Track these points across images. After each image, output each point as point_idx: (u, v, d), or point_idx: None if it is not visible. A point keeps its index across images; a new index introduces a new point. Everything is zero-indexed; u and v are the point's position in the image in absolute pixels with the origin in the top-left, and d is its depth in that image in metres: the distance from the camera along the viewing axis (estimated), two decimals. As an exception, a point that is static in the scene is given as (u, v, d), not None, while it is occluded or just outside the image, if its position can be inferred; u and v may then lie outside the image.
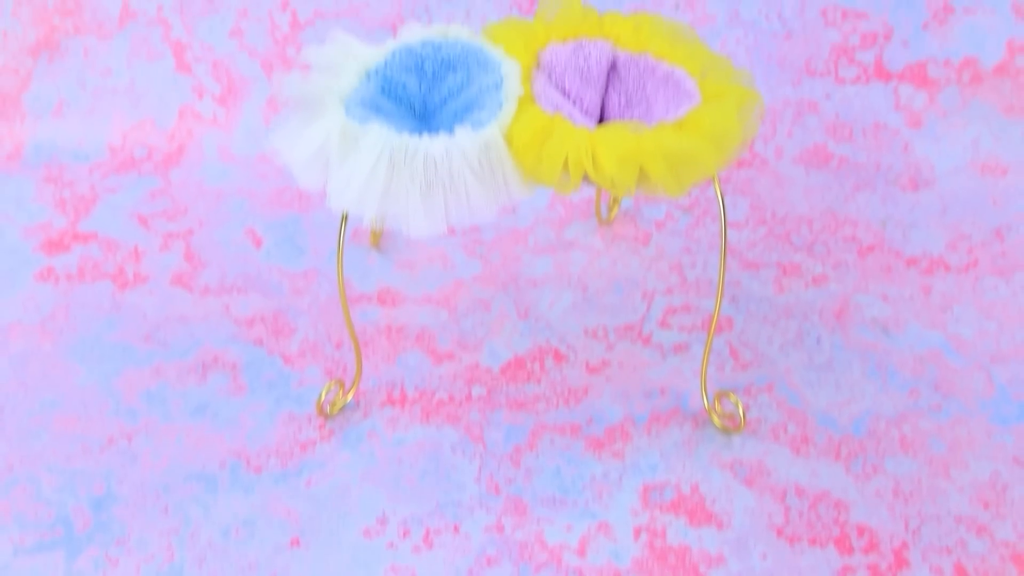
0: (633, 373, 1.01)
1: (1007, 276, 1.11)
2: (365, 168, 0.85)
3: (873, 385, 1.00)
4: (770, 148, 1.25)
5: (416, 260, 1.13)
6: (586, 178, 0.88)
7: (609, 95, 0.98)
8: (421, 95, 0.95)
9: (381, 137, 0.85)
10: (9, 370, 1.01)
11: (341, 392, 0.98)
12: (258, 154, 1.24)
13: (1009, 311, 1.07)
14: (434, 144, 0.85)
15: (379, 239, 1.14)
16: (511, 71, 0.92)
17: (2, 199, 1.20)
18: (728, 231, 1.15)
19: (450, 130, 0.88)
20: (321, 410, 0.97)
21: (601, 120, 0.99)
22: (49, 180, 1.22)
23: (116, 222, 1.17)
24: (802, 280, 1.11)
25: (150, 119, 1.27)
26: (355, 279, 1.10)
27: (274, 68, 1.27)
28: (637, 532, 0.89)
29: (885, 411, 0.97)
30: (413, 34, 0.96)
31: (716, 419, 0.97)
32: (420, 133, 0.88)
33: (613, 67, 0.98)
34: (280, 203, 1.20)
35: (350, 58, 0.93)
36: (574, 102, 0.96)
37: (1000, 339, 1.04)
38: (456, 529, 0.89)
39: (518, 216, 1.18)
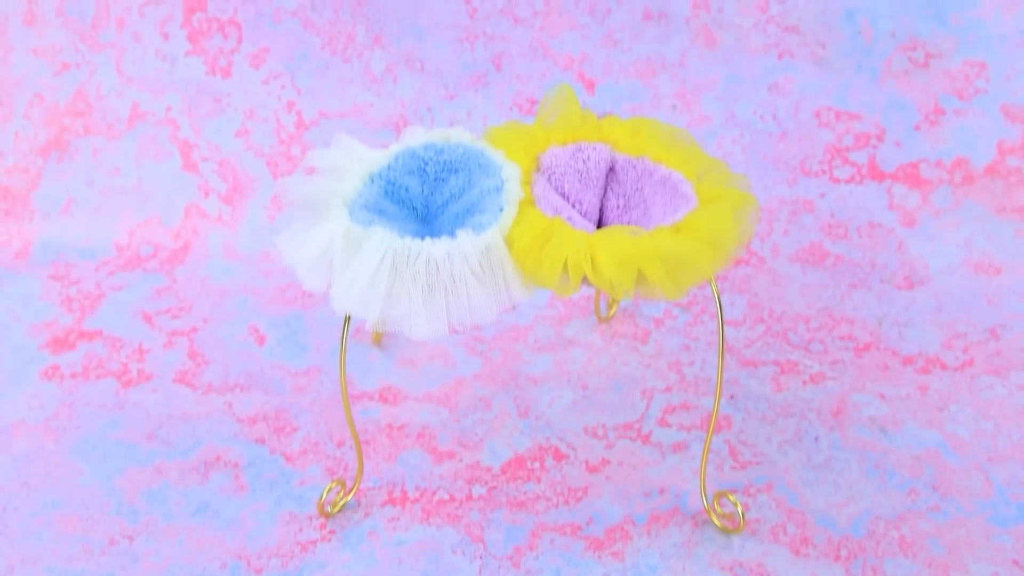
0: (632, 472, 1.02)
1: (1002, 375, 1.12)
2: (368, 271, 0.86)
3: (872, 485, 1.00)
4: (767, 246, 1.26)
5: (417, 358, 1.14)
6: (585, 280, 0.89)
7: (608, 197, 1.00)
8: (423, 197, 0.96)
9: (384, 240, 0.86)
10: (12, 470, 1.01)
11: (342, 491, 0.98)
12: (262, 252, 1.25)
13: (1005, 410, 1.08)
14: (436, 247, 0.87)
15: (380, 337, 1.15)
16: (512, 174, 0.94)
17: (9, 297, 1.21)
18: (726, 329, 1.16)
19: (452, 233, 0.89)
20: (322, 510, 0.97)
21: (600, 222, 1.00)
22: (56, 278, 1.24)
23: (121, 320, 1.18)
24: (800, 378, 1.11)
25: (156, 217, 1.28)
26: (356, 377, 1.11)
27: (279, 167, 1.29)
28: (637, 636, 0.88)
29: (884, 512, 0.97)
30: (416, 137, 0.98)
31: (716, 520, 0.97)
32: (422, 236, 0.90)
33: (611, 170, 1.00)
34: (283, 301, 1.21)
35: (354, 161, 0.95)
36: (573, 205, 0.98)
37: (997, 439, 1.05)
38: (456, 632, 0.88)
39: (518, 314, 1.19)
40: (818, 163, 1.29)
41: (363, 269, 0.86)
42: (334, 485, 0.97)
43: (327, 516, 0.97)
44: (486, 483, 1.01)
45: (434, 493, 1.00)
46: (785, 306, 1.20)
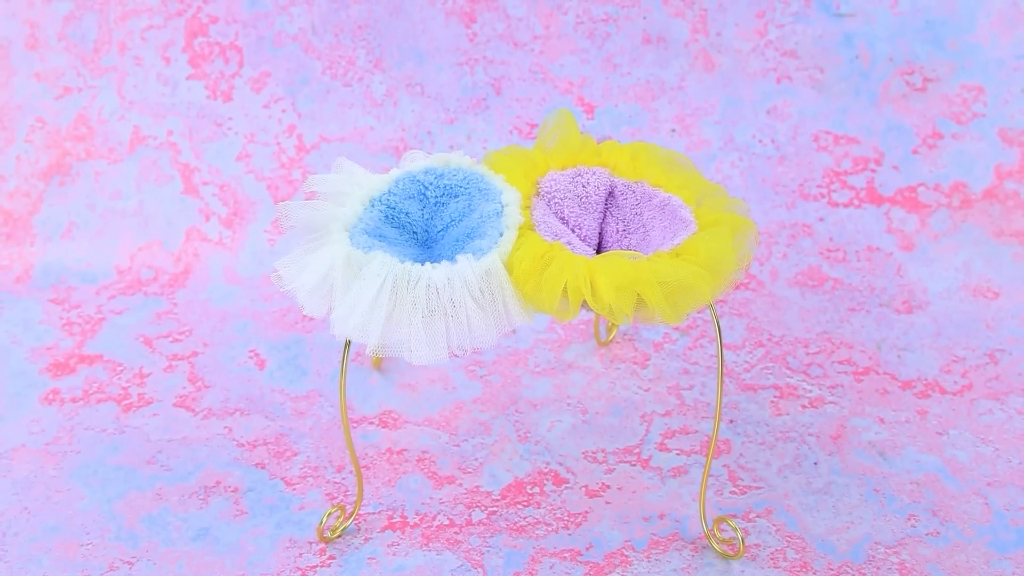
0: (632, 497, 1.01)
1: (1001, 399, 1.12)
2: (368, 296, 0.86)
3: (871, 510, 1.00)
4: (766, 270, 1.26)
5: (417, 382, 1.14)
6: (585, 305, 0.89)
7: (607, 222, 1.00)
8: (424, 222, 0.96)
9: (384, 265, 0.87)
10: (12, 495, 1.01)
11: (342, 516, 0.98)
12: (263, 276, 1.25)
13: (1004, 435, 1.08)
14: (436, 272, 0.87)
15: (380, 361, 1.15)
16: (512, 199, 0.94)
17: (10, 321, 1.21)
18: (725, 353, 1.16)
19: (452, 258, 0.89)
20: (321, 535, 0.97)
21: (599, 247, 1.00)
22: (56, 302, 1.24)
23: (122, 344, 1.18)
24: (799, 402, 1.11)
25: (158, 241, 1.29)
26: (356, 401, 1.11)
27: (280, 191, 1.29)
28: (637, 662, 0.88)
29: (884, 537, 0.97)
30: (416, 162, 0.98)
31: (716, 545, 0.96)
32: (423, 261, 0.90)
33: (611, 194, 1.00)
34: (284, 325, 1.21)
35: (354, 186, 0.95)
36: (573, 229, 0.98)
37: (996, 463, 1.04)
38: (456, 659, 0.88)
39: (518, 338, 1.19)
40: (816, 187, 1.30)
41: (363, 294, 0.86)
42: (334, 510, 0.97)
43: (326, 541, 0.97)
44: (486, 508, 1.00)
45: (434, 518, 0.99)
46: (784, 330, 1.20)
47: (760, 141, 1.31)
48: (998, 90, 1.30)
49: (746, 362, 1.16)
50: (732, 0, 1.31)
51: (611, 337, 1.19)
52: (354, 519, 0.98)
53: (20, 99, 1.30)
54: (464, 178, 0.96)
